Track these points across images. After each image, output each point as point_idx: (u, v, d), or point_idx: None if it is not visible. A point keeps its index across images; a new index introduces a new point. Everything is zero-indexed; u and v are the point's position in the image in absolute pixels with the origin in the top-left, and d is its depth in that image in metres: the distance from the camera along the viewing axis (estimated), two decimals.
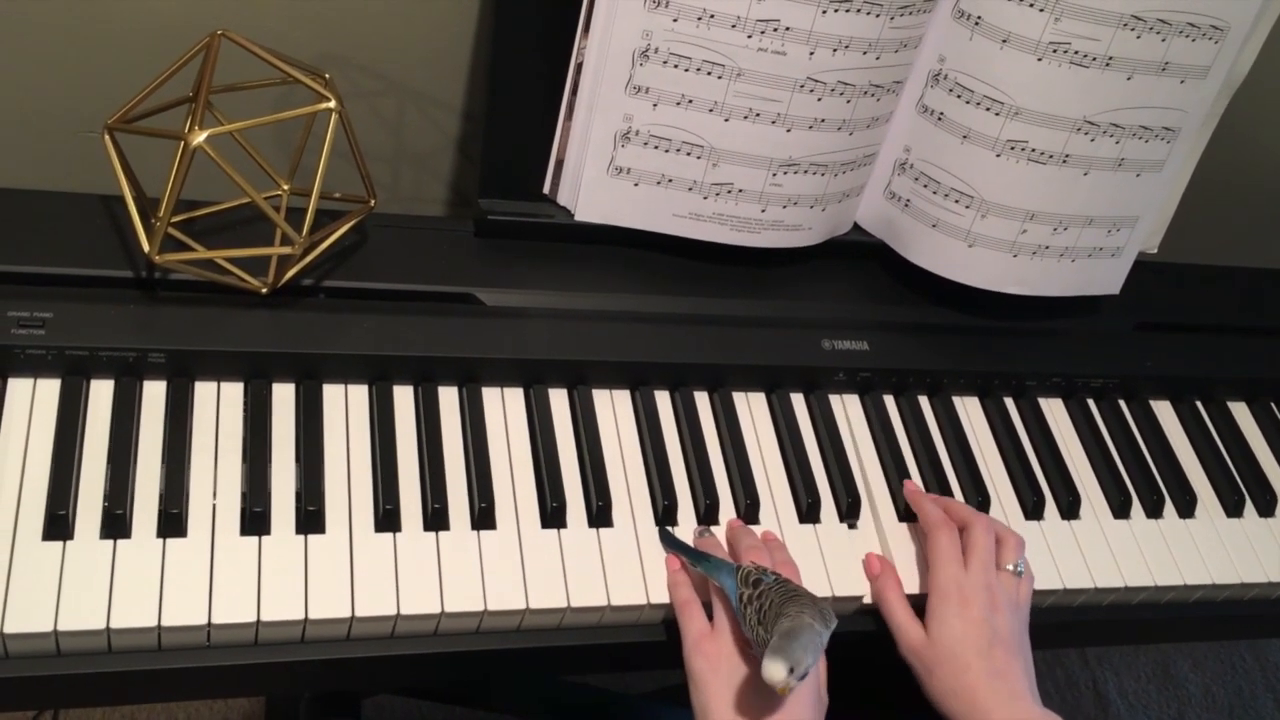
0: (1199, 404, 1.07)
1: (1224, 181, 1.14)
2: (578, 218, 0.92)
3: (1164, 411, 1.05)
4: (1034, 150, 0.91)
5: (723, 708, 0.72)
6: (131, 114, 0.80)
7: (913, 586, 0.85)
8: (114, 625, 0.70)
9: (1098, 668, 1.93)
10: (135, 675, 0.72)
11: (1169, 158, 0.95)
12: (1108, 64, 0.88)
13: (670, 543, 0.82)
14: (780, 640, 0.67)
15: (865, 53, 0.87)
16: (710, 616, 0.77)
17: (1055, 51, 0.87)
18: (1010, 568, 0.82)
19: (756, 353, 0.93)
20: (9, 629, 0.68)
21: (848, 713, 0.77)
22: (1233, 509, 0.99)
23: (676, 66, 0.85)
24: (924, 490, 0.91)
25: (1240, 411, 1.08)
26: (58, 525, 0.73)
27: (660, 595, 0.80)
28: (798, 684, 0.67)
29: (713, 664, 0.74)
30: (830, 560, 0.85)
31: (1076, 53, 0.87)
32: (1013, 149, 0.91)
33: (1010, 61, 0.88)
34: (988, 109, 0.90)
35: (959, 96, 0.90)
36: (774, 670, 0.66)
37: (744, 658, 0.74)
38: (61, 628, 0.69)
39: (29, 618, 0.69)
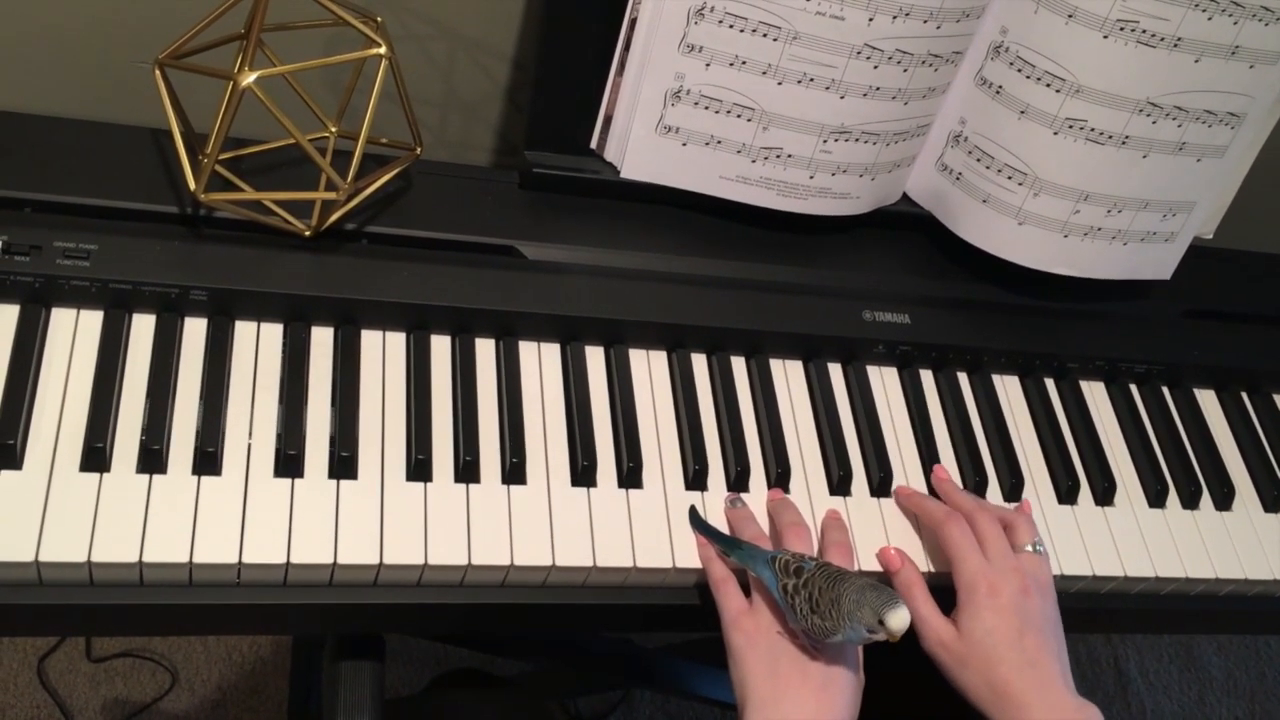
0: (1244, 395, 1.05)
1: None
2: (624, 175, 0.91)
3: (1207, 401, 1.04)
4: (1093, 130, 0.89)
5: (762, 682, 0.72)
6: (183, 49, 0.79)
7: (939, 565, 0.84)
8: (146, 559, 0.71)
9: (1120, 645, 1.92)
10: (165, 609, 0.73)
11: (1232, 143, 0.93)
12: (1176, 45, 0.85)
13: (701, 527, 0.81)
14: (874, 596, 0.68)
15: (926, 21, 0.85)
16: (746, 591, 0.77)
17: (1122, 29, 0.84)
18: (1029, 548, 0.81)
19: (796, 320, 0.92)
20: (44, 557, 0.69)
21: (875, 692, 0.77)
22: (1271, 504, 0.98)
23: (732, 27, 0.83)
24: (954, 480, 0.90)
25: None
26: (95, 457, 0.74)
27: (685, 559, 0.80)
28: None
29: (751, 639, 0.74)
30: (859, 534, 0.85)
31: (1144, 31, 0.84)
32: (1071, 127, 0.89)
33: (1075, 37, 0.85)
34: (1048, 85, 0.87)
35: (1019, 70, 0.88)
36: (899, 617, 0.68)
37: (782, 633, 0.74)
38: (95, 559, 0.70)
39: (63, 547, 0.70)
